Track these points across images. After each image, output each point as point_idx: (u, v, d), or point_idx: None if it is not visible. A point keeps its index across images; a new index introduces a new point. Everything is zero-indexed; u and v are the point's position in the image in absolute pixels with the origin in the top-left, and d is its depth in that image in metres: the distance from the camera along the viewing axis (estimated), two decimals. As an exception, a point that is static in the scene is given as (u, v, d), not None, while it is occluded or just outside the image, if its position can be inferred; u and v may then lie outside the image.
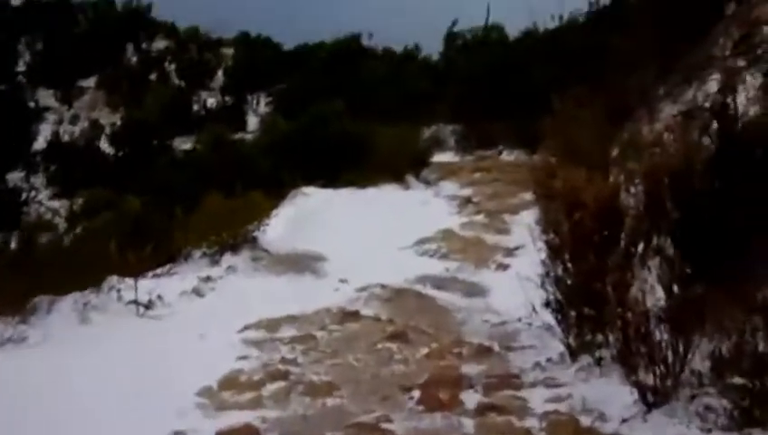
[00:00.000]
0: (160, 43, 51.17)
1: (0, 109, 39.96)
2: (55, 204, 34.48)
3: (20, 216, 33.74)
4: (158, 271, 15.64)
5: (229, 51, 50.85)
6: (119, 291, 13.11)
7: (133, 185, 27.64)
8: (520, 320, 11.93)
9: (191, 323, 12.59)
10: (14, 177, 36.92)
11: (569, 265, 10.49)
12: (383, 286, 14.35)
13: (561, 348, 10.41)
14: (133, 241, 14.82)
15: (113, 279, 13.34)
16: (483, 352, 11.30)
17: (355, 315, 12.93)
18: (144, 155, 33.51)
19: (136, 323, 12.63)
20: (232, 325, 12.37)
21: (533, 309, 10.89)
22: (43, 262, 15.16)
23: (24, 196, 35.07)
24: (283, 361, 11.03)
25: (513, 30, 40.04)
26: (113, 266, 13.63)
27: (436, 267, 16.26)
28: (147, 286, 13.39)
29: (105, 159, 36.48)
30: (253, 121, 41.47)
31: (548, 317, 10.82)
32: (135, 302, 12.98)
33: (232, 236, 16.36)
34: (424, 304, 13.78)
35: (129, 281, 13.24)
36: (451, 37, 42.93)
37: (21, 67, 46.61)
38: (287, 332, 12.22)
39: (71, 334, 11.78)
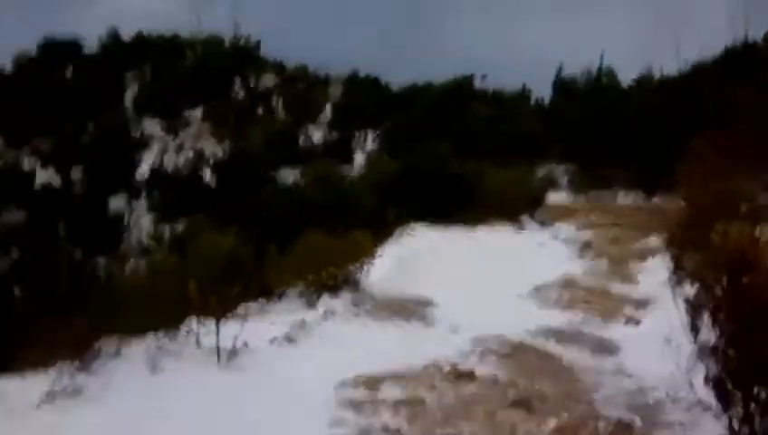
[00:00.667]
0: (268, 80, 49.71)
1: (106, 136, 39.16)
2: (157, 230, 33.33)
3: (120, 241, 32.75)
4: (250, 306, 13.70)
5: (337, 89, 49.31)
6: (198, 335, 10.96)
7: (234, 216, 26.19)
8: (667, 395, 9.58)
9: (280, 377, 10.45)
10: (118, 203, 35.83)
11: (729, 332, 8.20)
12: (500, 340, 12.13)
13: (719, 429, 8.08)
14: (220, 280, 12.79)
15: (193, 321, 11.22)
16: (622, 430, 9.00)
17: (470, 375, 10.68)
18: (247, 186, 31.87)
19: (216, 375, 10.48)
20: (327, 381, 10.20)
21: (690, 385, 8.54)
22: (119, 298, 13.18)
23: (125, 221, 34.05)
24: (386, 430, 8.83)
25: (625, 75, 38.23)
26: (195, 307, 11.51)
27: (558, 319, 14.08)
28: (232, 331, 11.22)
29: (208, 189, 35.10)
30: (359, 158, 39.70)
31: (696, 387, 8.51)
32: (217, 349, 10.83)
33: (332, 276, 14.30)
34: (547, 363, 11.55)
35: (212, 325, 11.11)
36: (559, 81, 40.91)
37: (129, 97, 45.73)
38: (391, 392, 9.99)
39: (136, 386, 9.65)
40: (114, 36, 51.54)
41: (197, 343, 10.93)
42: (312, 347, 11.83)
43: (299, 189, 28.43)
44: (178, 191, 34.80)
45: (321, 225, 17.59)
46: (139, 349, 10.43)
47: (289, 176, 34.08)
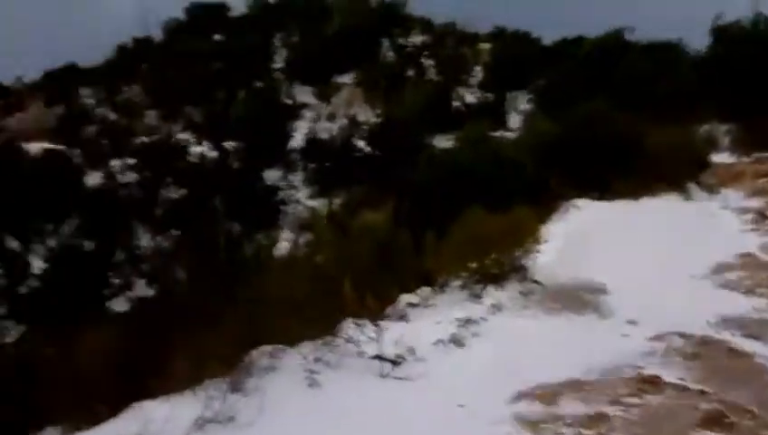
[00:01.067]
0: (416, 39, 48.77)
1: (257, 106, 38.66)
2: (314, 202, 32.78)
3: (278, 215, 32.19)
4: (411, 299, 12.75)
5: (486, 45, 48.07)
6: (358, 342, 10.00)
7: (390, 187, 25.44)
8: None
9: (448, 388, 9.45)
10: (272, 175, 35.33)
11: None
12: (683, 335, 10.94)
13: None
14: (377, 271, 11.89)
15: (350, 325, 10.29)
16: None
17: (655, 383, 9.51)
18: (402, 153, 30.92)
19: (379, 388, 9.50)
20: (500, 391, 9.20)
21: None
22: (270, 296, 12.37)
23: (281, 194, 33.51)
24: (568, 458, 7.78)
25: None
26: (351, 307, 10.59)
27: (742, 305, 12.78)
28: (394, 332, 10.27)
29: (363, 158, 34.34)
30: (513, 119, 38.45)
31: None
32: (379, 357, 9.86)
33: (497, 263, 13.20)
34: (738, 364, 10.31)
35: (371, 327, 10.14)
36: (717, 30, 38.91)
37: (277, 64, 45.28)
38: (571, 406, 8.90)
39: (294, 406, 8.74)
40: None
41: (358, 351, 9.97)
42: (480, 350, 10.75)
43: (453, 156, 27.36)
44: (333, 161, 34.13)
45: (480, 197, 16.62)
46: (294, 360, 9.51)
47: (443, 141, 33.06)
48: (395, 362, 9.91)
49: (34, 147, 37.36)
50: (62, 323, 21.63)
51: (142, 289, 27.05)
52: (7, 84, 55.46)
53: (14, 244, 29.55)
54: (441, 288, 13.32)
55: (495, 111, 39.05)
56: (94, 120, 44.79)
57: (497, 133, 32.43)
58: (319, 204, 32.10)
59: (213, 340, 10.67)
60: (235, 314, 12.87)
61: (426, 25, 50.72)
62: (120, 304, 25.93)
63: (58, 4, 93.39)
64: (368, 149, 34.97)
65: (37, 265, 28.64)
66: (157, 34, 54.41)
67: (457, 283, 13.27)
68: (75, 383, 12.48)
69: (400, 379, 9.70)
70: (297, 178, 35.26)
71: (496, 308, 12.18)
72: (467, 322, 11.46)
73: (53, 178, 31.49)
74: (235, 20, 52.44)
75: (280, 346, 9.69)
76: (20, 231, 29.66)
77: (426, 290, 13.40)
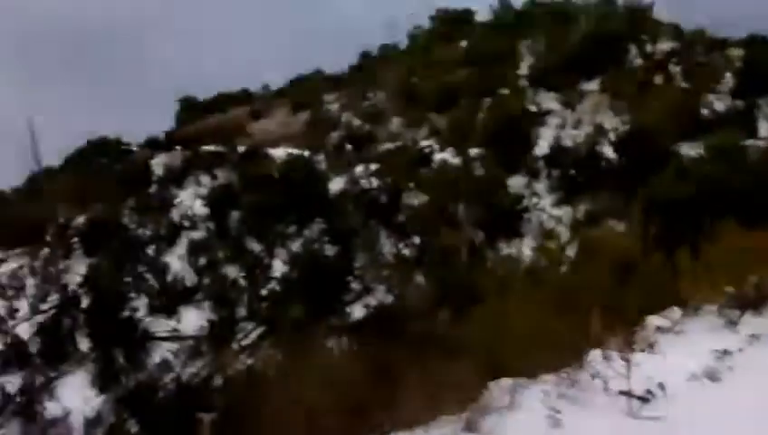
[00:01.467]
0: (664, 45, 46.83)
1: (502, 113, 37.85)
2: (558, 211, 31.71)
3: (521, 223, 31.32)
4: (661, 324, 11.67)
5: (737, 52, 45.78)
6: (604, 377, 9.00)
7: (636, 194, 24.29)
8: None
9: (703, 430, 8.36)
10: (516, 182, 34.40)
11: None
12: None
13: None
14: (622, 290, 10.89)
15: (596, 357, 9.31)
16: None
17: None
18: (647, 163, 29.52)
19: (627, 429, 8.49)
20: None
21: None
22: (511, 316, 11.52)
23: (525, 202, 32.63)
24: None
25: None
26: (596, 332, 9.61)
27: None
28: (643, 366, 9.22)
29: (608, 166, 33.03)
30: (764, 127, 36.31)
31: None
32: (627, 393, 8.85)
33: (755, 287, 11.91)
34: None
35: (617, 360, 9.12)
36: None
37: (523, 71, 44.25)
38: None
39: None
40: (506, 4, 50.75)
41: (604, 386, 8.98)
42: (738, 386, 9.56)
43: (704, 167, 25.89)
44: (578, 169, 32.93)
45: (733, 210, 15.40)
46: (535, 397, 8.63)
47: (690, 150, 31.44)
48: (644, 400, 8.89)
49: (279, 152, 37.53)
50: (299, 328, 21.45)
51: (382, 295, 26.61)
52: (254, 91, 56.36)
53: (256, 247, 29.62)
54: (693, 312, 12.16)
55: (745, 118, 36.98)
56: (339, 126, 44.78)
57: (747, 142, 30.68)
58: (563, 212, 31.00)
59: (449, 363, 9.86)
60: (473, 331, 12.08)
61: (675, 31, 48.75)
62: (358, 311, 25.59)
63: (304, 12, 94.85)
64: (613, 156, 33.58)
65: (278, 268, 28.63)
66: (401, 41, 54.36)
67: (711, 307, 12.06)
68: (300, 406, 11.94)
69: (651, 418, 8.66)
70: (541, 185, 34.14)
71: (754, 339, 10.91)
72: (722, 353, 10.27)
73: (297, 183, 31.48)
74: (480, 26, 51.76)
75: (520, 380, 8.84)
76: (263, 235, 29.73)
77: (676, 313, 12.28)
